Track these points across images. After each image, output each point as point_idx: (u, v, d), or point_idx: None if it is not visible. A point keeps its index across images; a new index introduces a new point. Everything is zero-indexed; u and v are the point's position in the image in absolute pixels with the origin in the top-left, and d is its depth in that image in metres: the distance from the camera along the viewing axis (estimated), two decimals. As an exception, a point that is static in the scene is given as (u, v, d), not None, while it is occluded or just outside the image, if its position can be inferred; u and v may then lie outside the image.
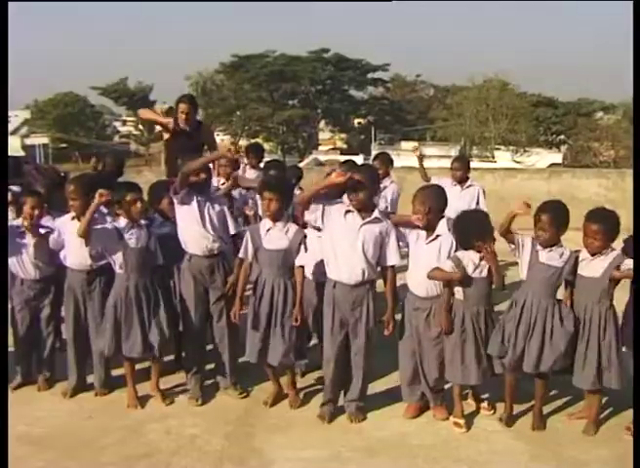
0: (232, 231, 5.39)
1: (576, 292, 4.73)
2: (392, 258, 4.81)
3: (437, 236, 4.78)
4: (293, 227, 5.03)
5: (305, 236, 5.04)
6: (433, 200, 4.78)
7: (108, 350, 5.12)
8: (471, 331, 4.75)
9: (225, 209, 5.39)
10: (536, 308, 4.70)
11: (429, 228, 4.81)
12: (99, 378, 5.42)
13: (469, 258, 4.72)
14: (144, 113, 8.25)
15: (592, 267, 4.62)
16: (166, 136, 7.36)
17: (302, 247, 5.00)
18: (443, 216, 4.82)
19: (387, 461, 4.48)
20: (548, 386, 4.94)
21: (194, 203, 5.20)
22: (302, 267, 5.02)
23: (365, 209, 4.76)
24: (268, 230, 5.02)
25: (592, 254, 4.62)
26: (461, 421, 4.89)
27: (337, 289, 4.82)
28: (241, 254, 5.13)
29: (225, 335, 5.35)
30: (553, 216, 4.64)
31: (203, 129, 7.54)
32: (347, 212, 4.78)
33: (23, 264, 5.34)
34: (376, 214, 4.78)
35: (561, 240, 4.73)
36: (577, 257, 4.68)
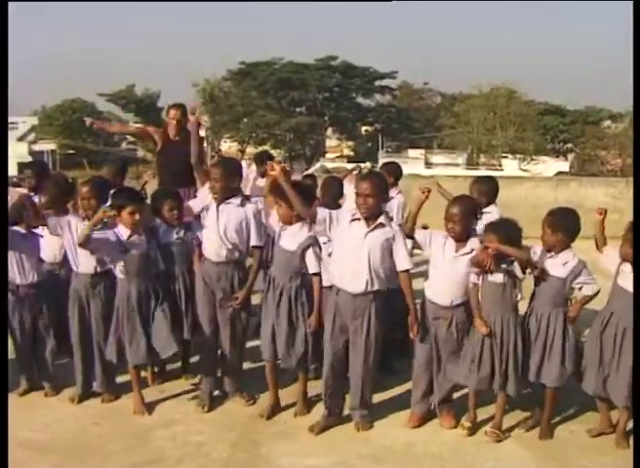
0: (253, 242, 5.25)
1: (614, 304, 4.62)
2: (402, 264, 4.71)
3: (472, 250, 4.69)
4: (305, 232, 4.96)
5: (316, 242, 4.98)
6: (468, 212, 4.73)
7: (111, 356, 5.12)
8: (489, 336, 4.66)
9: (252, 218, 5.21)
10: (539, 318, 4.69)
11: (460, 240, 4.74)
12: (101, 382, 5.40)
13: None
14: (112, 127, 8.28)
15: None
16: (157, 146, 7.26)
17: (313, 253, 4.94)
18: (475, 230, 4.79)
19: (393, 469, 4.48)
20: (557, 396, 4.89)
21: (214, 206, 5.18)
22: (318, 274, 4.96)
23: (372, 216, 4.70)
24: (285, 228, 5.03)
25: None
26: (467, 424, 4.86)
27: (339, 296, 4.79)
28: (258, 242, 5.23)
29: (229, 344, 5.30)
30: (557, 220, 4.67)
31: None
32: (353, 220, 4.75)
33: (16, 268, 5.26)
34: (381, 219, 4.70)
35: (571, 247, 4.72)
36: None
